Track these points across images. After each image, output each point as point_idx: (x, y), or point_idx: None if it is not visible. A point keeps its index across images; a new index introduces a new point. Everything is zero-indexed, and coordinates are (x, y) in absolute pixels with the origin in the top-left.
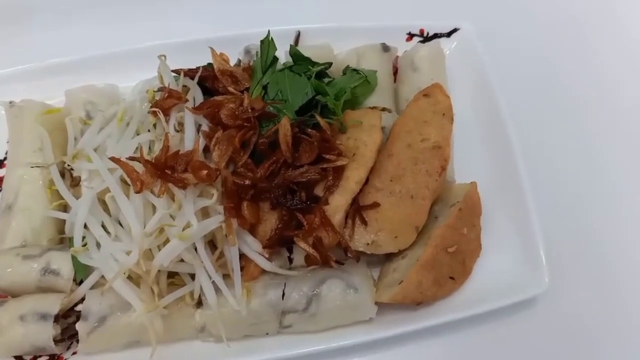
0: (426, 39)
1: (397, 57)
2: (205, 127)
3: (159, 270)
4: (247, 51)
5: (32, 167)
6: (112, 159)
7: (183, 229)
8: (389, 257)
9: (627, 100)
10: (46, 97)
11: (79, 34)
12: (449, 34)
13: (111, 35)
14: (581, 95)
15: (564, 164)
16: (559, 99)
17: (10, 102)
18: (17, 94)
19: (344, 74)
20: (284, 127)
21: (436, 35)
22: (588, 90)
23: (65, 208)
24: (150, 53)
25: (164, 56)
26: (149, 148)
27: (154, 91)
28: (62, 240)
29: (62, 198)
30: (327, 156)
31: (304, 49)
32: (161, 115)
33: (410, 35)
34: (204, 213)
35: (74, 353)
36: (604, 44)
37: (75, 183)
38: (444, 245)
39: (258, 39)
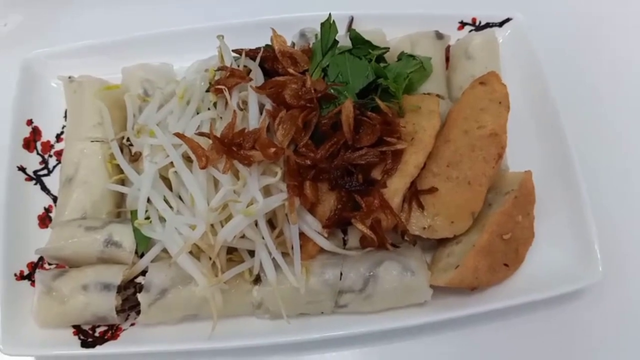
0: (478, 28)
1: (449, 45)
2: (268, 107)
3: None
4: (303, 34)
5: (92, 141)
6: (177, 134)
7: (247, 206)
8: (442, 242)
9: None
10: (101, 74)
11: (132, 12)
12: (501, 24)
13: (163, 16)
14: (631, 89)
15: (616, 155)
16: (609, 92)
17: (70, 77)
18: (72, 71)
19: (399, 59)
20: (347, 108)
21: (488, 25)
22: (638, 83)
23: (123, 182)
24: (205, 34)
25: (222, 36)
26: (210, 126)
27: (214, 70)
28: (119, 214)
29: (121, 172)
30: (388, 139)
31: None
32: (227, 93)
33: (462, 24)
34: (266, 191)
35: (132, 324)
36: None
37: (134, 158)
38: (499, 232)
39: (311, 22)
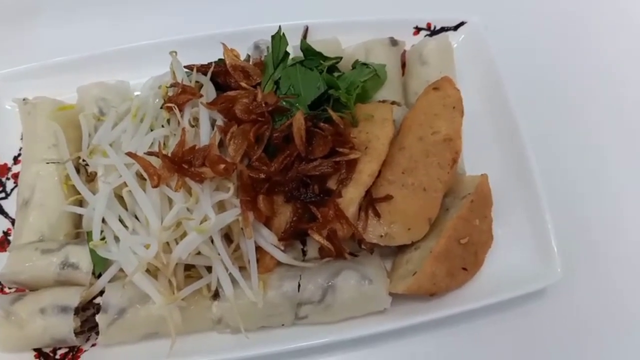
0: (433, 32)
1: (405, 51)
2: (219, 122)
3: (176, 263)
4: (257, 46)
5: (47, 163)
6: (129, 154)
7: (201, 222)
8: (401, 248)
9: (634, 93)
10: (57, 94)
11: (87, 30)
12: (455, 28)
13: (119, 32)
14: (589, 88)
15: (573, 156)
16: (567, 91)
17: (24, 99)
18: (28, 92)
19: (354, 68)
20: (298, 120)
21: (443, 29)
22: (596, 83)
23: (80, 203)
24: (159, 49)
25: (175, 52)
26: (164, 144)
27: (166, 87)
28: (78, 234)
29: (78, 193)
30: (341, 149)
31: (313, 44)
32: (177, 111)
33: (417, 29)
34: (220, 207)
35: (93, 345)
36: (612, 38)
37: (90, 178)
38: (456, 237)
39: (265, 34)
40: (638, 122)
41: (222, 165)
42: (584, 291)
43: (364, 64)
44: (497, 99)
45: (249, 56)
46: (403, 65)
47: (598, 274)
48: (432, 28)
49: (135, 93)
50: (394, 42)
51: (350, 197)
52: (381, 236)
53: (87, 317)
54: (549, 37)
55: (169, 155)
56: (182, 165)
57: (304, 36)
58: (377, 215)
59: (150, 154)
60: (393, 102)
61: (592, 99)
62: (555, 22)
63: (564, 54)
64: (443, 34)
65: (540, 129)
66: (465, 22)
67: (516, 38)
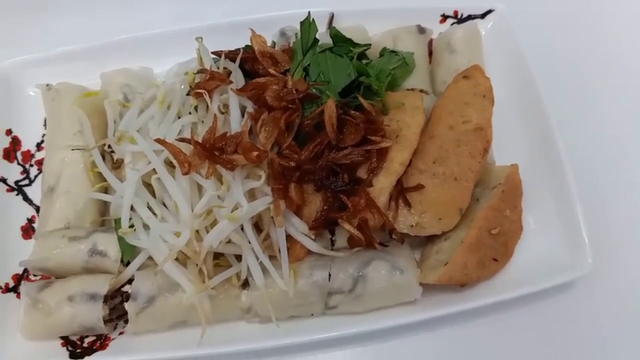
0: (460, 20)
1: (432, 39)
2: (250, 109)
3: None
4: (283, 33)
5: (72, 149)
6: (158, 140)
7: (232, 211)
8: (431, 239)
9: None
10: (78, 80)
11: (109, 17)
12: (483, 16)
13: (141, 18)
14: (619, 76)
15: (603, 145)
16: (597, 80)
17: (48, 85)
18: (50, 78)
19: (381, 55)
20: (330, 108)
21: (470, 17)
22: (625, 70)
23: (106, 190)
24: (180, 36)
25: (201, 38)
26: (192, 131)
27: (193, 73)
28: (104, 222)
29: (104, 180)
30: (372, 138)
31: (340, 31)
32: (207, 97)
33: (444, 17)
34: (250, 195)
35: (121, 333)
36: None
37: (116, 165)
38: (487, 227)
39: (291, 20)
40: None
41: (255, 153)
42: (614, 283)
43: (393, 51)
44: (526, 88)
45: (274, 43)
46: (430, 53)
47: (630, 265)
48: (459, 16)
49: (159, 80)
50: (421, 30)
51: (381, 187)
52: (412, 226)
53: (115, 305)
54: (576, 24)
55: (200, 142)
56: (214, 152)
57: (330, 23)
58: (408, 204)
59: (182, 140)
60: (421, 91)
61: (623, 87)
62: (583, 9)
63: (592, 40)
64: (471, 21)
65: (570, 118)
66: (493, 10)
67: (543, 26)
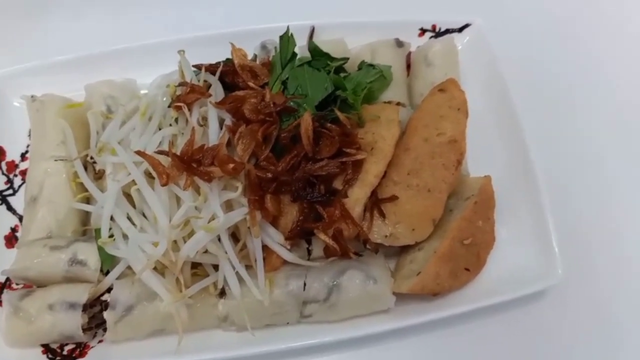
0: (438, 34)
1: (410, 52)
2: (228, 122)
3: (183, 262)
4: (264, 46)
5: (55, 160)
6: (138, 152)
7: (209, 221)
8: (405, 249)
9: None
10: (64, 91)
11: (94, 28)
12: (460, 30)
13: (126, 30)
14: (593, 90)
15: (577, 158)
16: (571, 94)
17: (32, 96)
18: (36, 89)
19: (359, 68)
20: (306, 121)
21: (448, 31)
22: (599, 85)
23: (88, 200)
24: (167, 48)
25: (183, 51)
26: (172, 142)
27: (174, 86)
28: (85, 232)
29: (86, 191)
30: (347, 150)
31: (319, 44)
32: (186, 110)
33: (422, 31)
34: (228, 206)
35: (100, 341)
36: (615, 40)
37: (98, 176)
38: (460, 238)
39: (272, 34)
40: None
41: (231, 165)
42: (585, 293)
43: (370, 64)
44: (501, 101)
45: (255, 56)
46: (408, 66)
47: (600, 275)
48: (437, 30)
49: (142, 91)
50: (399, 44)
51: (356, 197)
52: (386, 236)
53: (95, 313)
54: (552, 40)
55: (178, 154)
56: (191, 164)
57: (310, 37)
58: (382, 215)
59: (160, 152)
60: (398, 103)
61: (596, 101)
62: (559, 25)
63: (568, 56)
64: (448, 36)
65: (544, 131)
66: (470, 24)
67: (520, 40)
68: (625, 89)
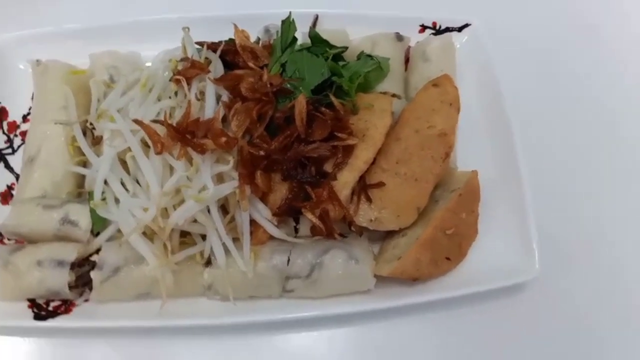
0: (438, 32)
1: (410, 47)
2: (225, 98)
3: (172, 229)
4: (267, 30)
5: (55, 123)
6: (135, 120)
7: (199, 192)
8: (390, 234)
9: (629, 101)
10: (69, 59)
11: (102, 0)
12: (460, 29)
13: (135, 4)
14: (584, 96)
15: (563, 159)
16: (563, 97)
17: (37, 61)
18: (42, 54)
19: (358, 58)
20: (300, 103)
21: (448, 29)
22: (589, 91)
23: (84, 164)
24: (172, 25)
25: (188, 28)
26: (170, 114)
27: (177, 61)
28: (80, 194)
29: (82, 155)
30: (339, 135)
31: (321, 33)
32: (184, 83)
33: (423, 27)
34: (219, 178)
35: (86, 300)
36: (614, 46)
37: (96, 142)
38: (442, 227)
39: (277, 19)
40: (627, 127)
41: (224, 139)
42: (563, 288)
43: (369, 55)
44: (493, 101)
45: (259, 38)
46: (407, 60)
47: (578, 273)
48: (437, 27)
49: (146, 64)
50: (399, 38)
51: (345, 181)
52: (371, 220)
53: (82, 273)
54: (550, 44)
55: (174, 125)
56: (186, 135)
57: (314, 24)
58: (369, 200)
59: (155, 122)
60: (394, 95)
61: (584, 106)
62: (558, 30)
63: (561, 60)
64: (447, 34)
65: (532, 131)
66: (470, 24)
67: (517, 42)
68: (614, 95)
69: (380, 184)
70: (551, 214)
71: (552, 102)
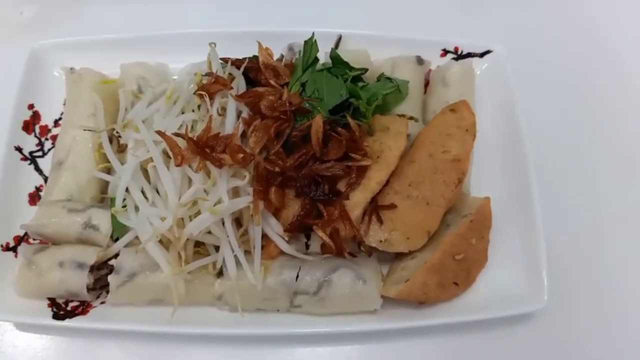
0: (459, 56)
1: (430, 70)
2: (245, 114)
3: (187, 239)
4: (291, 48)
5: (84, 130)
6: (158, 132)
7: (215, 204)
8: (399, 256)
9: None
10: (102, 68)
11: (136, 13)
12: (481, 55)
13: (166, 18)
14: (605, 128)
15: (579, 190)
16: (582, 129)
17: (71, 69)
18: (75, 62)
19: (378, 80)
20: (317, 123)
21: (469, 55)
22: (614, 123)
23: (109, 171)
24: (201, 39)
25: (214, 44)
26: (192, 127)
27: (201, 75)
28: (103, 199)
29: (107, 161)
30: (353, 155)
31: (343, 52)
32: (207, 98)
33: (445, 52)
34: (235, 192)
35: (103, 303)
36: (632, 75)
37: (121, 149)
38: (452, 252)
39: (302, 37)
40: None
41: (241, 155)
42: (570, 319)
43: (388, 78)
44: (511, 129)
45: (282, 56)
46: (427, 83)
47: (587, 306)
48: (459, 52)
49: (174, 77)
50: (420, 61)
51: (357, 201)
52: (381, 241)
53: (101, 276)
54: (571, 73)
55: (194, 138)
56: (205, 149)
57: (337, 44)
58: (380, 221)
59: (177, 134)
60: (411, 118)
61: (602, 141)
62: (579, 59)
63: (585, 91)
64: (467, 59)
65: (549, 160)
66: (492, 51)
67: (538, 70)
68: (634, 130)
69: (392, 206)
70: (563, 245)
71: (571, 133)
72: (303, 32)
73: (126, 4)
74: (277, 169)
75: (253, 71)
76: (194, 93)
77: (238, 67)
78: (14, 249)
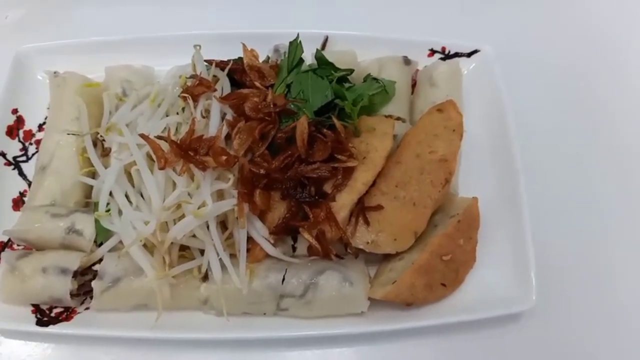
0: (447, 56)
1: (417, 70)
2: (229, 117)
3: (172, 243)
4: (276, 50)
5: (68, 134)
6: (142, 135)
7: (198, 207)
8: (387, 257)
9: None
10: (86, 71)
11: (120, 16)
12: (469, 55)
13: (151, 20)
14: (593, 127)
15: (568, 190)
16: (570, 128)
17: (55, 73)
18: (59, 65)
19: (365, 81)
20: (302, 124)
21: (457, 55)
22: (599, 127)
23: (93, 175)
24: (186, 41)
25: (199, 46)
26: (176, 129)
27: (186, 77)
28: (87, 204)
29: (91, 165)
30: (339, 156)
31: (330, 54)
32: (190, 101)
33: (432, 52)
34: (219, 195)
35: (87, 308)
36: (622, 78)
37: (105, 153)
38: (439, 253)
39: (288, 39)
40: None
41: (224, 157)
42: (559, 319)
43: (375, 78)
44: (499, 128)
45: (268, 57)
46: (414, 84)
47: (575, 306)
48: (446, 52)
49: (158, 79)
50: (407, 61)
51: (343, 203)
52: (367, 243)
53: (85, 281)
54: (559, 73)
55: (178, 141)
56: (188, 152)
57: (323, 45)
58: (366, 222)
59: (160, 137)
60: (398, 118)
61: (593, 137)
62: (567, 59)
63: (574, 90)
64: (454, 59)
65: (537, 161)
66: (479, 51)
67: (526, 70)
68: (627, 132)
69: (379, 207)
70: (551, 245)
71: (560, 133)
72: (290, 34)
73: (112, 6)
74: (262, 171)
75: (238, 73)
76: (179, 96)
77: (222, 69)
78: None
